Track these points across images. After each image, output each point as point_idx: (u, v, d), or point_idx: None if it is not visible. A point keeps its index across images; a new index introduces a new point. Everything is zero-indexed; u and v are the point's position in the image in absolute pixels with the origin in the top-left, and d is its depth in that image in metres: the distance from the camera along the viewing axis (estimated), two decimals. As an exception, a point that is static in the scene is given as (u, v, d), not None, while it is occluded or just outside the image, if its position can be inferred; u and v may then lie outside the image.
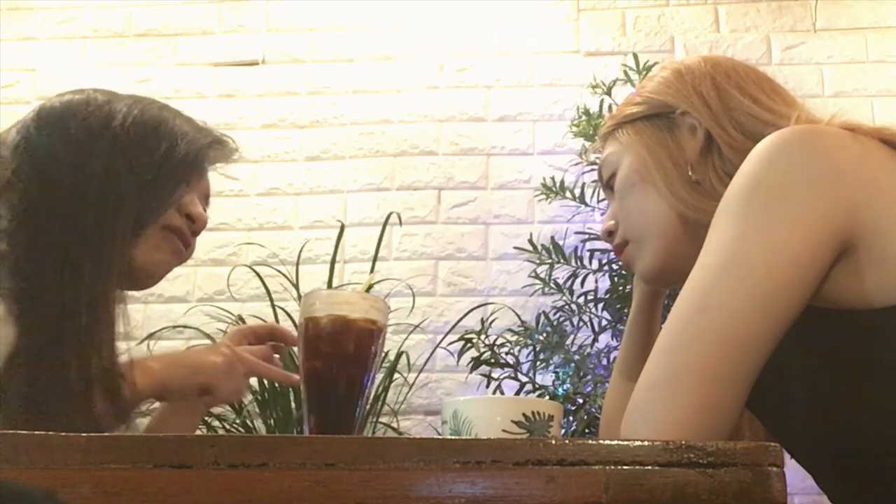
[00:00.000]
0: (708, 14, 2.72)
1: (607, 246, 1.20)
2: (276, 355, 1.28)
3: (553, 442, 0.59)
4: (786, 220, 0.77)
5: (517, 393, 2.10)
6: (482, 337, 2.13)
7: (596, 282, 2.22)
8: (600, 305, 2.20)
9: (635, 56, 2.30)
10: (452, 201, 2.60)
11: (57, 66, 2.79)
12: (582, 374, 2.11)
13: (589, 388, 2.06)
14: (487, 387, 2.12)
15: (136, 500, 0.57)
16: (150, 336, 2.30)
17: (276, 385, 2.09)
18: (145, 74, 2.77)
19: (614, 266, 2.17)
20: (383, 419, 2.25)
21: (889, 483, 0.79)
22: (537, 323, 2.20)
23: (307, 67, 2.76)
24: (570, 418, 2.02)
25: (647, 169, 0.99)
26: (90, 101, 1.09)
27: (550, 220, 2.52)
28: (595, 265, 2.21)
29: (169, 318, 2.50)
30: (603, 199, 2.21)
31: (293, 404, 2.07)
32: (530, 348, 2.17)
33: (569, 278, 2.23)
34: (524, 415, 0.81)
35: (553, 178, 2.37)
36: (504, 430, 0.80)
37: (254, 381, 2.04)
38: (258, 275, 2.36)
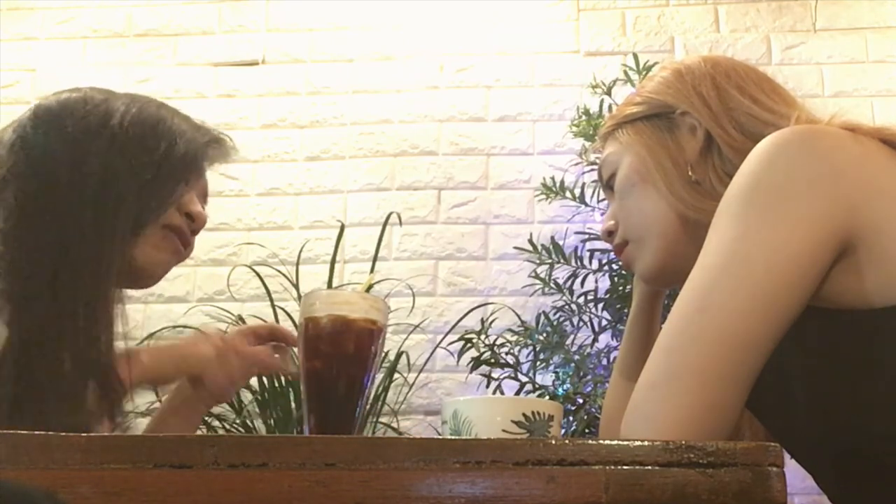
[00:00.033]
0: (708, 14, 2.72)
1: (607, 246, 1.20)
2: (277, 356, 1.27)
3: (553, 442, 0.59)
4: (786, 221, 0.77)
5: (517, 393, 2.10)
6: (482, 337, 2.13)
7: (596, 282, 2.22)
8: (600, 305, 2.20)
9: (635, 56, 2.30)
10: (452, 201, 2.60)
11: (57, 66, 2.79)
12: (582, 374, 2.11)
13: (589, 388, 2.06)
14: (487, 387, 2.12)
15: (136, 500, 0.57)
16: (150, 336, 2.30)
17: (276, 385, 2.09)
18: (145, 74, 2.77)
19: (614, 266, 2.17)
20: (383, 419, 2.25)
21: (889, 483, 0.79)
22: (537, 323, 2.20)
23: (307, 67, 2.76)
24: (570, 418, 2.02)
25: (647, 169, 0.99)
26: (87, 100, 1.08)
27: (550, 220, 2.52)
28: (595, 265, 2.21)
29: (169, 318, 2.50)
30: (603, 199, 2.21)
31: (293, 404, 2.07)
32: (530, 348, 2.17)
33: (569, 278, 2.23)
34: (524, 415, 0.81)
35: (553, 178, 2.37)
36: (504, 430, 0.80)
37: (254, 381, 2.05)
38: (258, 275, 2.36)
